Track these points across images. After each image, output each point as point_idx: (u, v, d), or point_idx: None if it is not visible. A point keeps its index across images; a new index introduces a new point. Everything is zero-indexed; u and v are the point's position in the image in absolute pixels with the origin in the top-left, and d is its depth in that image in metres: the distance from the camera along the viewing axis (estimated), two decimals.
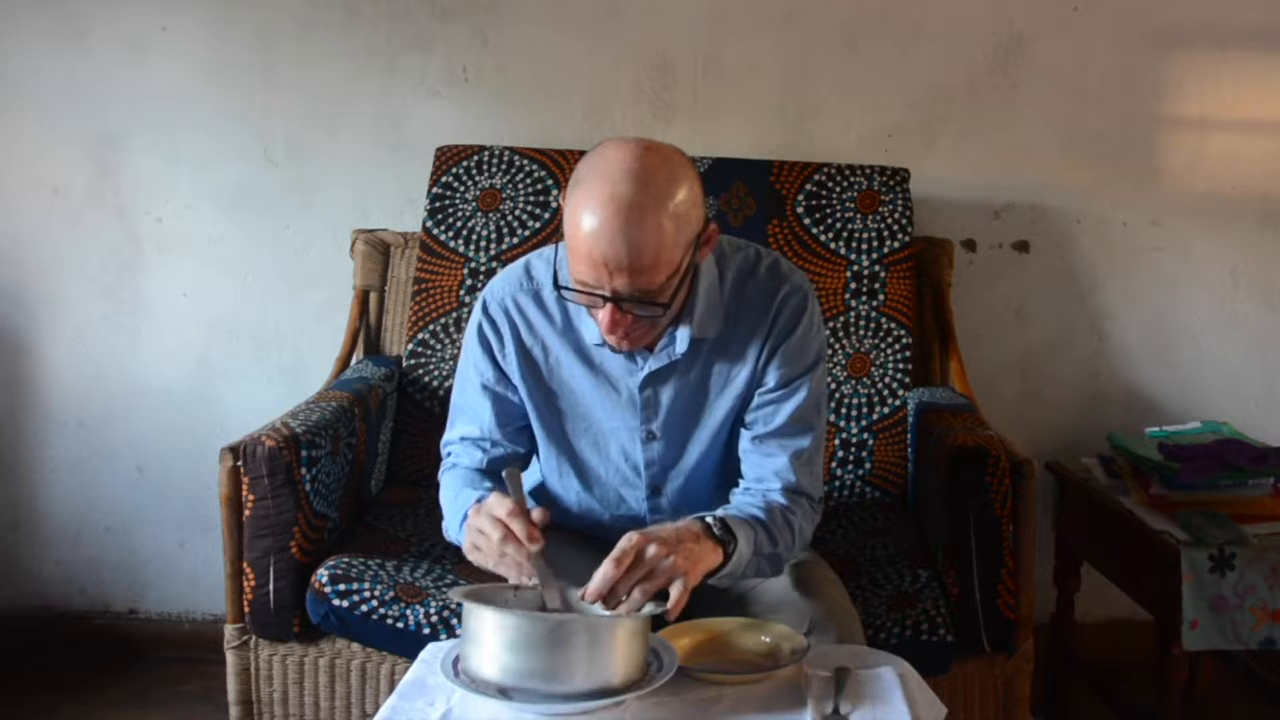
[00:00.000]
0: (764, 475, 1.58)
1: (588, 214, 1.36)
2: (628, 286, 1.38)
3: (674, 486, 1.65)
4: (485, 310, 1.63)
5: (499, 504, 1.38)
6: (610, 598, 1.31)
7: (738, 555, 1.43)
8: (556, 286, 1.46)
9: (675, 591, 1.32)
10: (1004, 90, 2.58)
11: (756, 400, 1.59)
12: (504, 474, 1.44)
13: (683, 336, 1.55)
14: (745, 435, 1.60)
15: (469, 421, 1.67)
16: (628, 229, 1.35)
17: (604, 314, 1.42)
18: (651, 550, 1.33)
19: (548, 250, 1.62)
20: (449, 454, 1.70)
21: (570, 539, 1.69)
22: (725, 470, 1.65)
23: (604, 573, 1.31)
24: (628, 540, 1.33)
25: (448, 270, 2.36)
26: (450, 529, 1.61)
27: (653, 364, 1.58)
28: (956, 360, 2.40)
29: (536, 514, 1.37)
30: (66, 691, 2.52)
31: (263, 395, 2.60)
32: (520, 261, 1.65)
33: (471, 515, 1.42)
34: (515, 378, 1.63)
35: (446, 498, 1.64)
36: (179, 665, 2.62)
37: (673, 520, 1.47)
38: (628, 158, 1.38)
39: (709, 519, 1.44)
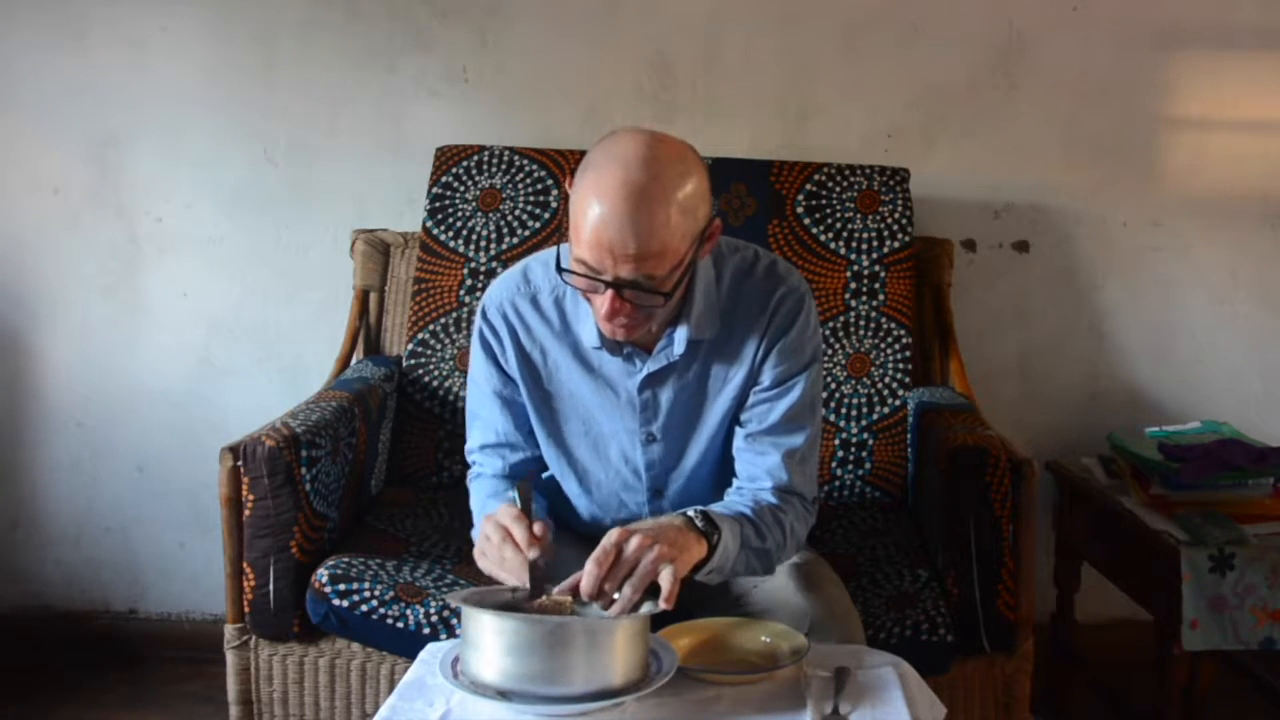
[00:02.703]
0: (756, 474, 1.58)
1: (597, 199, 1.37)
2: (631, 273, 1.38)
3: (675, 488, 1.65)
4: (485, 316, 1.64)
5: (505, 511, 1.40)
6: (600, 597, 1.31)
7: (723, 546, 1.43)
8: (559, 269, 1.46)
9: (665, 581, 1.31)
10: (1004, 90, 2.58)
11: (751, 398, 1.59)
12: (517, 485, 1.45)
13: (680, 337, 1.55)
14: (739, 433, 1.60)
15: (486, 428, 1.68)
16: (636, 216, 1.35)
17: (603, 300, 1.42)
18: (633, 544, 1.33)
19: (545, 253, 1.62)
20: (474, 462, 1.72)
21: (576, 540, 1.69)
22: (726, 472, 1.65)
23: (588, 573, 1.31)
24: (607, 538, 1.34)
25: (448, 270, 2.36)
26: (476, 537, 1.63)
27: (651, 365, 1.58)
28: (956, 360, 2.40)
29: (538, 525, 1.39)
30: (66, 691, 2.52)
31: (263, 395, 2.60)
32: (518, 266, 1.66)
33: (483, 522, 1.44)
34: (517, 381, 1.64)
35: (474, 506, 1.68)
36: (179, 665, 2.62)
37: None
38: (640, 147, 1.39)
39: (690, 512, 1.44)
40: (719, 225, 1.49)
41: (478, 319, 1.65)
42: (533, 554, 1.35)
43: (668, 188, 1.38)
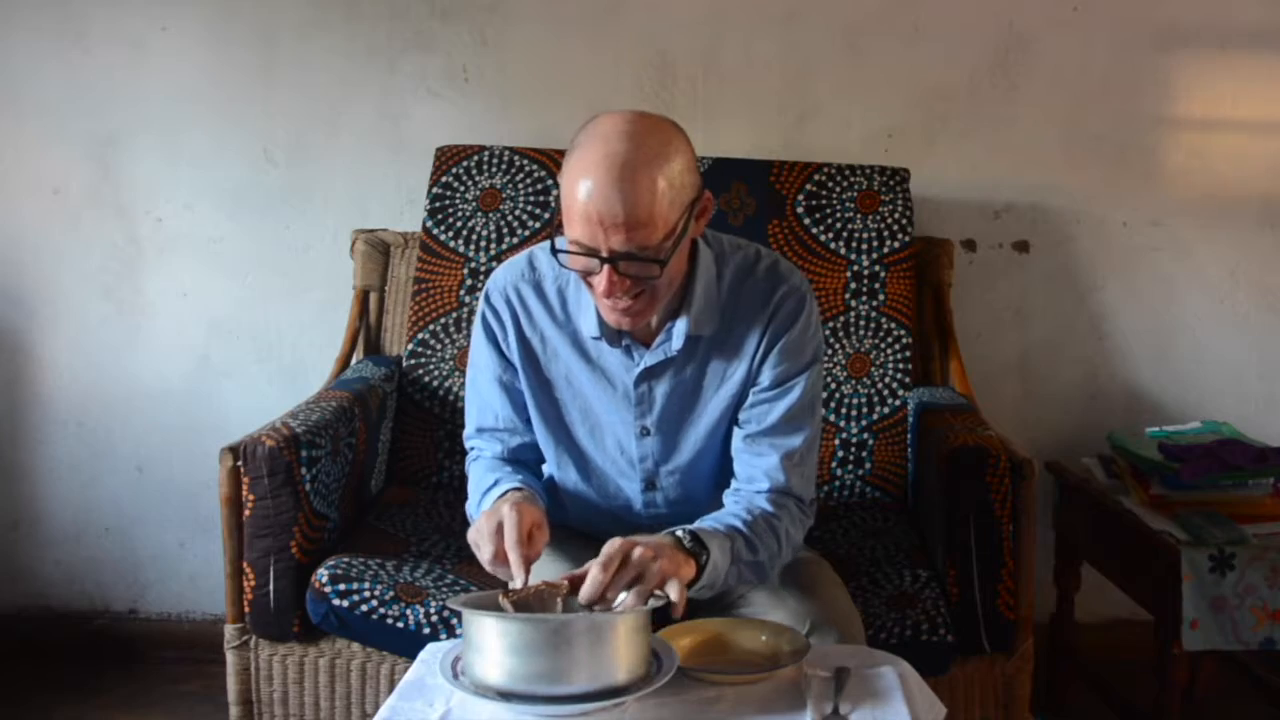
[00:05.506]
0: (754, 475, 1.58)
1: (583, 174, 1.38)
2: (624, 244, 1.39)
3: (669, 482, 1.65)
4: (488, 300, 1.64)
5: (511, 527, 1.39)
6: (602, 603, 1.31)
7: (711, 565, 1.42)
8: (553, 251, 1.46)
9: (674, 592, 1.32)
10: (1004, 90, 2.58)
11: (751, 399, 1.59)
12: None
13: (679, 331, 1.55)
14: (738, 434, 1.60)
15: (485, 413, 1.68)
16: (622, 185, 1.37)
17: (601, 278, 1.43)
18: (638, 553, 1.33)
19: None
20: (472, 448, 1.71)
21: (567, 537, 1.69)
22: (725, 470, 1.65)
23: (593, 577, 1.31)
24: (612, 545, 1.34)
25: (448, 270, 2.36)
26: (472, 512, 1.63)
27: (649, 359, 1.58)
28: (956, 360, 2.40)
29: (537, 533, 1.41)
30: (66, 691, 2.51)
31: (263, 395, 2.60)
32: (524, 253, 1.66)
33: (484, 517, 1.45)
34: (517, 366, 1.64)
35: (472, 484, 1.66)
36: (179, 665, 2.62)
37: (669, 513, 1.49)
38: (620, 123, 1.41)
39: (679, 532, 1.44)
40: (711, 198, 1.50)
41: (481, 303, 1.65)
42: (516, 580, 1.36)
43: (650, 156, 1.39)
